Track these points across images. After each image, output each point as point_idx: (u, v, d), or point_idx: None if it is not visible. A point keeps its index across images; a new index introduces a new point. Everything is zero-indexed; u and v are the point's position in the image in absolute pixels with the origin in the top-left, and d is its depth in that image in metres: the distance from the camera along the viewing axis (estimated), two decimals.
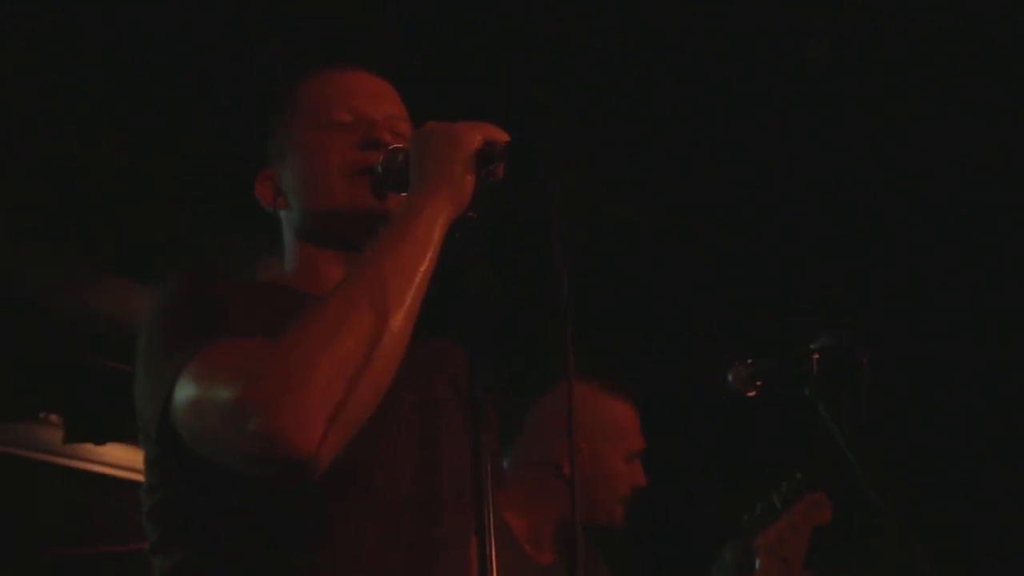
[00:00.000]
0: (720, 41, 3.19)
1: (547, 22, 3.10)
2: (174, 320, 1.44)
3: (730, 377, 2.26)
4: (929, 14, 3.08)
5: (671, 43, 3.19)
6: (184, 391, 1.35)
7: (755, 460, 4.87)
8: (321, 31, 3.04)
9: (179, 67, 3.10)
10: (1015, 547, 4.20)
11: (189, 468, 1.42)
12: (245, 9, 2.97)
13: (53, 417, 4.62)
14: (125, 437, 4.38)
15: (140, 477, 1.57)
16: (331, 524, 1.44)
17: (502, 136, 1.46)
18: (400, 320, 1.33)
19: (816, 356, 2.13)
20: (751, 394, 2.25)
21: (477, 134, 1.45)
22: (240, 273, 1.60)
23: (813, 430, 2.10)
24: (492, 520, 1.34)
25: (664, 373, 4.46)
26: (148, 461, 1.53)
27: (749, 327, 4.31)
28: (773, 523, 2.62)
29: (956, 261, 4.06)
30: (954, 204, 3.82)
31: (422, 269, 1.37)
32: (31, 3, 2.93)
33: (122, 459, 4.73)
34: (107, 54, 3.05)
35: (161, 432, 1.39)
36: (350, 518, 1.46)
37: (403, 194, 1.49)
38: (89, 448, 4.65)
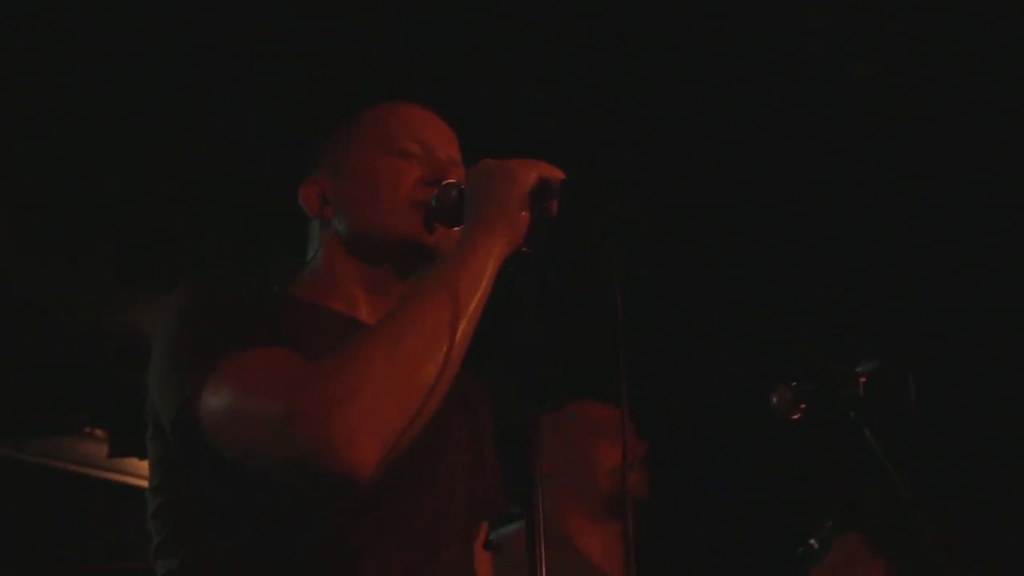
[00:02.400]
0: (720, 41, 3.18)
1: (547, 22, 3.10)
2: (202, 322, 1.44)
3: (774, 400, 2.22)
4: (929, 14, 3.08)
5: (671, 43, 3.19)
6: (219, 394, 1.35)
7: (756, 460, 4.88)
8: (321, 31, 3.04)
9: (179, 67, 3.10)
10: (1016, 546, 4.20)
11: (200, 467, 1.42)
12: (245, 9, 2.96)
13: (98, 432, 4.62)
14: None
15: None
16: (341, 536, 1.45)
17: (557, 174, 1.49)
18: (453, 347, 1.36)
19: (863, 380, 2.10)
20: (795, 418, 2.22)
21: (533, 172, 1.48)
22: (254, 280, 1.61)
23: (812, 433, 2.09)
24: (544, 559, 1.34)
25: (664, 373, 4.46)
26: (155, 460, 1.54)
27: (749, 327, 4.30)
28: (817, 565, 2.60)
29: (956, 261, 4.06)
30: (954, 204, 3.82)
31: (475, 301, 1.40)
32: (31, 3, 2.93)
33: None
34: (107, 54, 3.05)
35: (179, 428, 1.39)
36: (361, 534, 1.46)
37: (455, 229, 1.52)
38: (134, 462, 4.66)
